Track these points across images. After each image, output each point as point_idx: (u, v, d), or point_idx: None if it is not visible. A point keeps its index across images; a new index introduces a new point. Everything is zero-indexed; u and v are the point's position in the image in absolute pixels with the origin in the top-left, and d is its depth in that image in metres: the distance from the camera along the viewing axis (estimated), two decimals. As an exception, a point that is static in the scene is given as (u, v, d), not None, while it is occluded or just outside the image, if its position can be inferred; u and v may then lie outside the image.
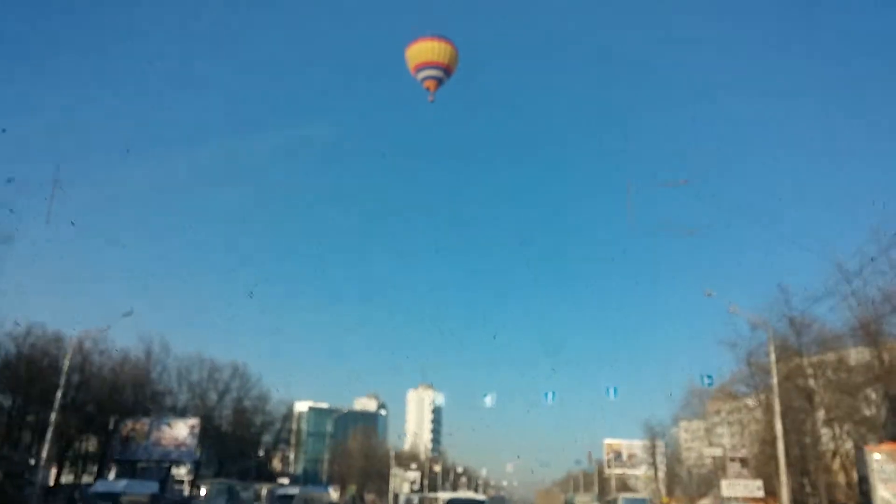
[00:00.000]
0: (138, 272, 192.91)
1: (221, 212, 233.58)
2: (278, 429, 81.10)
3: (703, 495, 75.96)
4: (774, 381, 40.06)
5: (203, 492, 41.51)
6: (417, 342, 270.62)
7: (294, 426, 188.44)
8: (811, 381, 45.59)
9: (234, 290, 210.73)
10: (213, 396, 71.09)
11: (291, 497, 45.37)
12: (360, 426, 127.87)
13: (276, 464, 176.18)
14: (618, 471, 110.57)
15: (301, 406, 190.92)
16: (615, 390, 43.25)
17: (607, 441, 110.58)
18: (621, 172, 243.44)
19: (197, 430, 53.92)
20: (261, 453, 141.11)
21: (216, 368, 67.73)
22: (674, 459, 74.42)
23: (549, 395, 42.41)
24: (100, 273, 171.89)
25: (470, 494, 78.72)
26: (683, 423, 79.68)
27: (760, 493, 48.24)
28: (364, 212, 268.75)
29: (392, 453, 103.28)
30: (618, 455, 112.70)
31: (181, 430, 53.79)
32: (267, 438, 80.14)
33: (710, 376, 43.80)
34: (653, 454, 77.48)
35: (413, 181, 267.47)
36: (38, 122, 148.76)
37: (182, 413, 62.39)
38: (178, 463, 53.24)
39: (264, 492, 51.40)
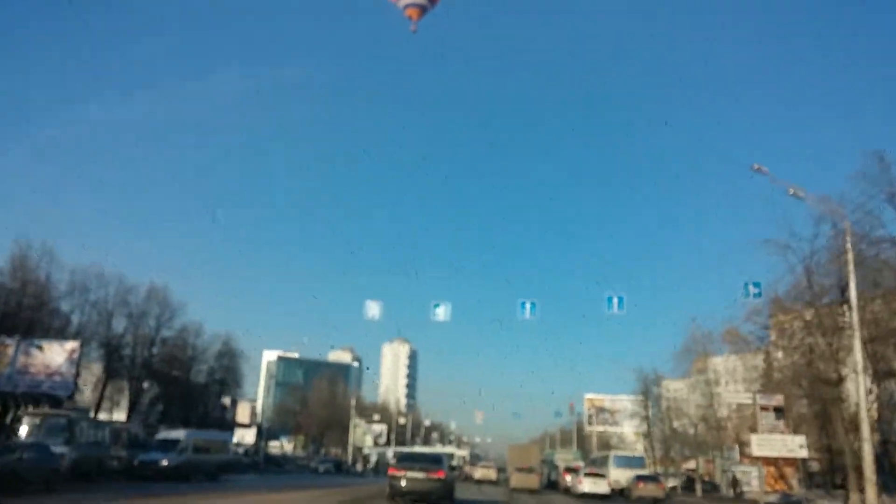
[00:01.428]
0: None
1: (199, 160, 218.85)
2: (211, 367, 67.35)
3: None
4: (852, 291, 26.96)
5: (24, 428, 27.84)
6: (394, 295, 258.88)
7: (263, 375, 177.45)
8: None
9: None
10: (123, 323, 56.70)
11: (176, 442, 32.20)
12: (325, 375, 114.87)
13: (243, 415, 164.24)
14: (599, 428, 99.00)
15: (270, 355, 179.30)
16: (620, 301, 29.45)
17: (588, 396, 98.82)
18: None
19: (77, 356, 40.32)
20: (226, 402, 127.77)
21: (127, 290, 54.12)
22: (670, 416, 61.93)
23: (527, 307, 27.64)
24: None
25: (425, 449, 66.16)
26: (671, 384, 67.06)
27: (803, 453, 35.65)
28: (344, 153, 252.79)
29: (353, 403, 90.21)
30: (600, 411, 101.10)
31: (56, 356, 40.12)
32: (200, 379, 66.53)
33: (757, 284, 30.59)
34: (645, 407, 64.82)
35: (393, 121, 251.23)
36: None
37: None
38: (52, 397, 39.39)
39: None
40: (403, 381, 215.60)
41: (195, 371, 66.14)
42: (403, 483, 23.12)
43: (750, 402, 38.01)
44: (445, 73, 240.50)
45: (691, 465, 68.61)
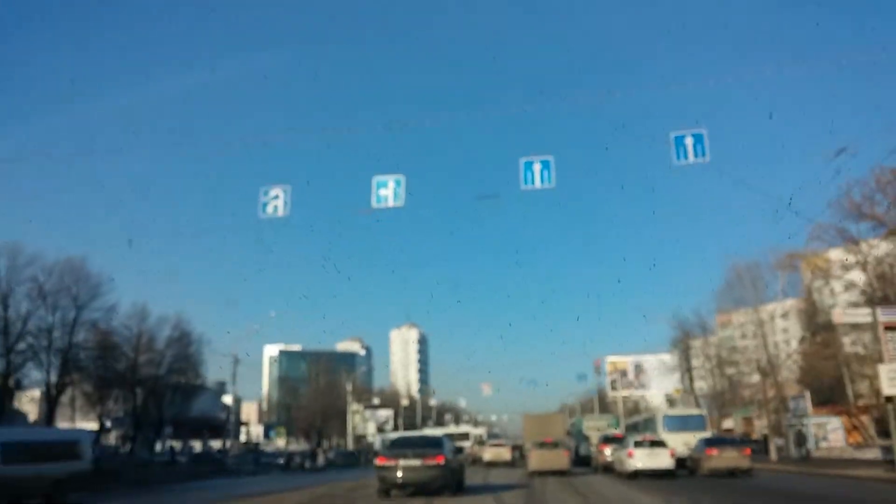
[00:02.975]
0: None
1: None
2: (161, 356, 54.36)
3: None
4: None
5: None
6: (401, 282, 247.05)
7: (266, 371, 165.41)
8: None
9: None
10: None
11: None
12: (320, 365, 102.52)
13: (249, 413, 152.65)
14: (624, 393, 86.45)
15: (272, 350, 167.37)
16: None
17: (611, 358, 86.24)
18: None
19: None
20: (227, 401, 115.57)
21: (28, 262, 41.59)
22: (721, 365, 49.06)
23: (536, 172, 13.92)
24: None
25: (437, 432, 53.90)
26: (720, 323, 54.09)
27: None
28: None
29: (349, 388, 77.63)
30: (623, 374, 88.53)
31: None
32: (151, 370, 53.69)
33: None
34: (686, 357, 51.93)
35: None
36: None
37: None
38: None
39: None
40: (415, 366, 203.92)
41: (145, 361, 53.35)
42: (398, 474, 18.72)
43: (867, 319, 25.01)
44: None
45: (727, 424, 56.57)
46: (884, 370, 23.70)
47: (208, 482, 36.84)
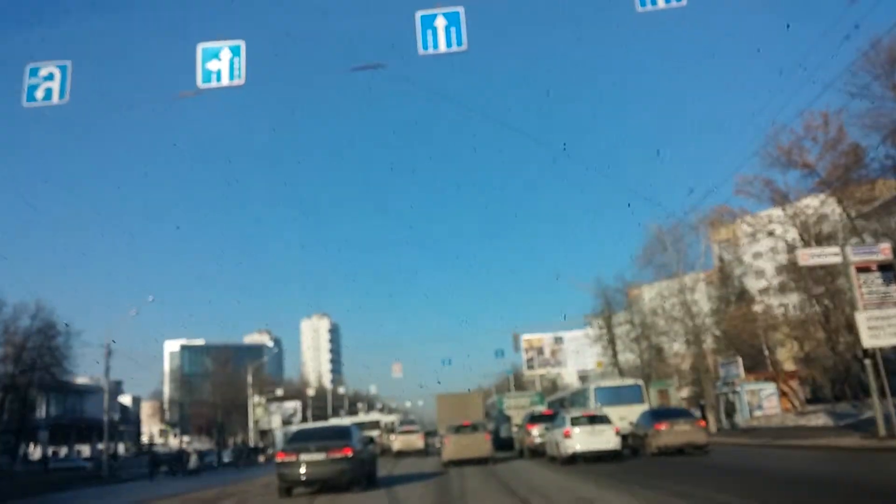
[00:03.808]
0: None
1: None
2: (20, 349, 45.75)
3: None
4: None
5: None
6: (307, 271, 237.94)
7: (167, 368, 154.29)
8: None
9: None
10: None
11: None
12: (222, 358, 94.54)
13: (149, 413, 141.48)
14: (541, 371, 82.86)
15: (172, 346, 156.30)
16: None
17: (526, 336, 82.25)
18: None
19: None
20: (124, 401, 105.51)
21: None
22: (646, 333, 45.26)
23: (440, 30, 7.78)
24: None
25: (344, 421, 47.97)
26: (645, 290, 50.42)
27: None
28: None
29: (249, 380, 70.43)
30: (540, 352, 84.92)
31: None
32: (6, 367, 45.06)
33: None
34: (608, 326, 47.84)
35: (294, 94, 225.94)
36: None
37: None
38: None
39: None
40: (327, 356, 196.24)
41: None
42: (300, 470, 16.18)
43: (837, 259, 20.89)
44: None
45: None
46: (861, 318, 19.62)
47: (68, 493, 30.94)
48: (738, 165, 64.78)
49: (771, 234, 40.73)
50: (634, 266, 48.06)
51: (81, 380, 72.05)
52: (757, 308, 48.93)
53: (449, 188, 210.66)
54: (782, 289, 45.62)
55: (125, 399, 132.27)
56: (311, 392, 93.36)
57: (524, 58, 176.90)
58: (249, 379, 71.96)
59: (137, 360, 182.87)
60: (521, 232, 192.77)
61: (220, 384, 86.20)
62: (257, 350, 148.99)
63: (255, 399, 73.00)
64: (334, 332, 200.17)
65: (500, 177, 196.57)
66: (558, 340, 68.30)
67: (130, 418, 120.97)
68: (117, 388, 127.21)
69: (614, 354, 48.43)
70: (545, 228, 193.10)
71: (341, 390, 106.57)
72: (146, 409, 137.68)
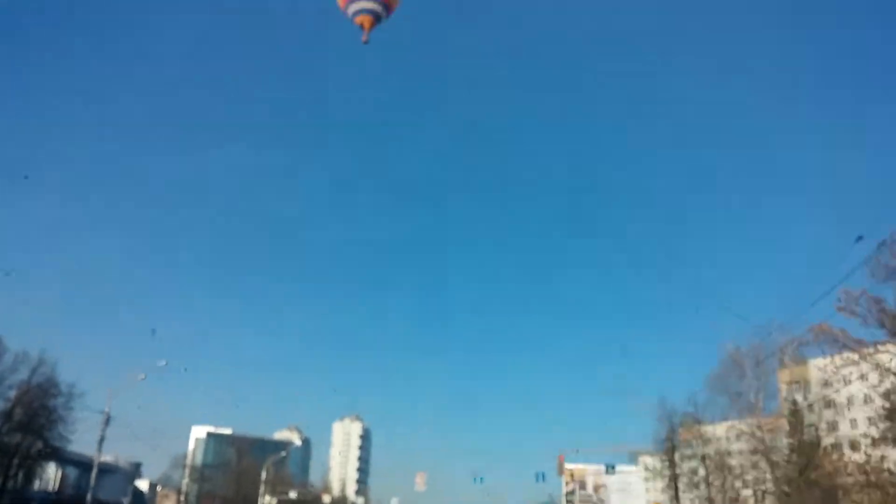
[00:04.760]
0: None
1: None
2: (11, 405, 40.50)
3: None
4: None
5: None
6: (343, 373, 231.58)
7: (189, 454, 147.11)
8: None
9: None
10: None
11: None
12: (244, 449, 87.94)
13: (166, 498, 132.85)
14: (585, 508, 73.00)
15: (199, 432, 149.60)
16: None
17: (568, 466, 72.88)
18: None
19: None
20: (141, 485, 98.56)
21: None
22: (726, 474, 37.42)
23: None
24: None
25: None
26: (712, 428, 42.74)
27: None
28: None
29: (263, 476, 63.58)
30: (582, 485, 75.32)
31: None
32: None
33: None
34: (670, 460, 40.11)
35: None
36: None
37: None
38: None
39: None
40: (355, 464, 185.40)
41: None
42: None
43: None
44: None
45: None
46: None
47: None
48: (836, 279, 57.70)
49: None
50: (705, 390, 40.96)
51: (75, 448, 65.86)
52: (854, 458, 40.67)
53: (493, 291, 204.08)
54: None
55: (142, 484, 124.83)
56: (326, 500, 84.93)
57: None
58: (263, 475, 64.99)
59: (160, 444, 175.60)
60: (572, 339, 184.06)
61: (234, 476, 79.24)
62: (282, 446, 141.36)
63: (266, 499, 65.67)
64: (365, 437, 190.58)
65: (549, 277, 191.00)
66: (609, 469, 59.82)
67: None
68: (136, 471, 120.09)
69: (676, 496, 40.12)
70: (598, 334, 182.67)
71: (360, 502, 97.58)
72: (162, 497, 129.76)
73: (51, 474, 59.41)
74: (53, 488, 64.89)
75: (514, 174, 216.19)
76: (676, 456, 40.60)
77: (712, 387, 39.32)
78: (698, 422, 39.72)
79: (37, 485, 57.92)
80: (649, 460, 43.67)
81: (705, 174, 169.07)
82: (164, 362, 43.87)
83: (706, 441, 39.26)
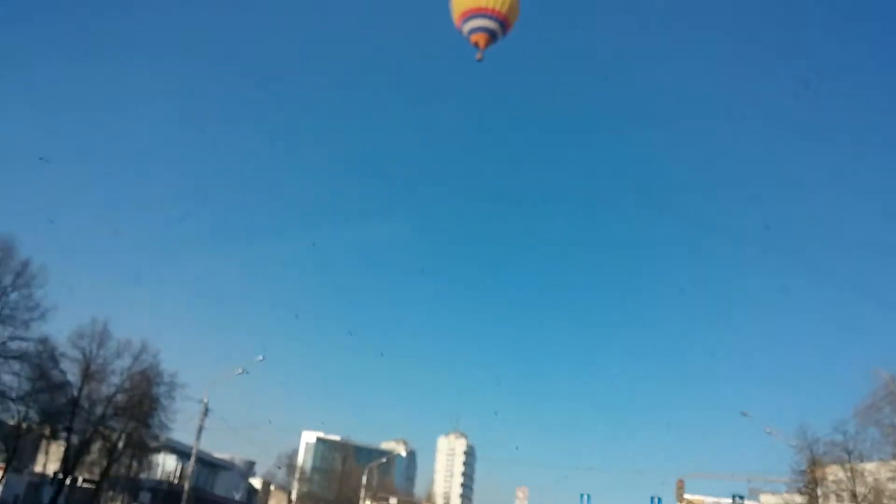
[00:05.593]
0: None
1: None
2: (114, 392, 40.35)
3: None
4: None
5: None
6: (453, 388, 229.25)
7: (300, 456, 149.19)
8: None
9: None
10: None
11: None
12: (348, 454, 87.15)
13: (275, 496, 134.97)
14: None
15: (309, 437, 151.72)
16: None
17: (687, 496, 65.87)
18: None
19: None
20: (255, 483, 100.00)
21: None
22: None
23: None
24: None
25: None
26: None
27: None
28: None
29: (364, 480, 61.92)
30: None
31: None
32: (96, 409, 39.80)
33: None
34: (811, 494, 34.21)
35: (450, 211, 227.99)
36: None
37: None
38: None
39: None
40: (459, 479, 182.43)
41: (91, 393, 39.74)
42: None
43: None
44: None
45: None
46: None
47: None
48: None
49: None
50: (854, 421, 34.82)
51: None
52: None
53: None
54: None
55: (256, 482, 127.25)
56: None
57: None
58: (364, 479, 63.32)
59: (275, 445, 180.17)
60: (695, 352, 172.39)
61: (338, 479, 78.26)
62: (387, 455, 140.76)
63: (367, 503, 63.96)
64: (470, 454, 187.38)
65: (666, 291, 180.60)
66: (738, 501, 52.76)
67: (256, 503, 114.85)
68: (250, 469, 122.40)
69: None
70: (723, 350, 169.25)
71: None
72: (276, 498, 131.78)
73: (162, 463, 60.24)
74: (168, 478, 65.78)
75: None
76: (818, 492, 34.63)
77: (863, 417, 33.26)
78: (849, 454, 33.60)
79: (149, 474, 58.66)
80: (772, 500, 37.67)
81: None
82: (261, 357, 42.85)
83: (860, 478, 33.04)
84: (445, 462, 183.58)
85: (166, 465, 62.04)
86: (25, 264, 35.06)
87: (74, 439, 39.29)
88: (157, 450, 52.62)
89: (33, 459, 50.17)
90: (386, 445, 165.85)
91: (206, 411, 39.43)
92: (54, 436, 41.89)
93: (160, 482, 62.07)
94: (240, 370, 43.08)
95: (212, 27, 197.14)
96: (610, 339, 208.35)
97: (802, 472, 35.62)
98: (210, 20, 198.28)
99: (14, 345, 34.08)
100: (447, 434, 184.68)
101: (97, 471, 43.29)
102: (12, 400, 34.96)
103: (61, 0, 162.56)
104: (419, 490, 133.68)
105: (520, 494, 66.52)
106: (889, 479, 34.52)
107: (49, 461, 47.81)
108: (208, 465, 77.40)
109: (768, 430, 44.55)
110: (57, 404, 38.57)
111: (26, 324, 34.65)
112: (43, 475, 47.69)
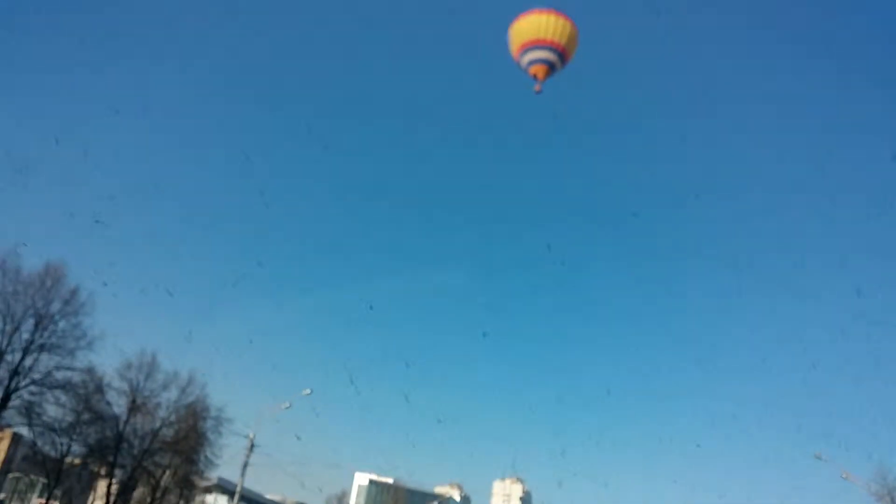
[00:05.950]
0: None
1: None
2: (161, 425, 38.98)
3: None
4: None
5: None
6: (509, 432, 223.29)
7: (352, 499, 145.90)
8: None
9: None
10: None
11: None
12: (389, 499, 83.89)
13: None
14: None
15: (361, 479, 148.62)
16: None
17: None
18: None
19: None
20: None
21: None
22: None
23: None
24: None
25: None
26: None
27: None
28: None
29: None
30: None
31: None
32: (137, 443, 38.35)
33: None
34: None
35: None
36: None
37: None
38: None
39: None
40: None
41: (136, 426, 38.41)
42: None
43: None
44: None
45: None
46: None
47: None
48: None
49: None
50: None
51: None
52: None
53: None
54: None
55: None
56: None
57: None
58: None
59: (326, 485, 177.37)
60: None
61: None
62: (440, 500, 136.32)
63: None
64: (526, 500, 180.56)
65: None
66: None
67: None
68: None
69: None
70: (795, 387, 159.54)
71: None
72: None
73: (209, 501, 58.58)
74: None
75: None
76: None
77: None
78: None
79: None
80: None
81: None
82: (308, 391, 41.08)
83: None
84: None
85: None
86: (74, 292, 34.38)
87: (119, 474, 37.88)
88: (209, 490, 50.82)
89: (84, 500, 49.03)
90: (440, 489, 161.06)
91: (251, 447, 37.61)
92: (107, 473, 40.71)
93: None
94: (287, 404, 41.27)
95: (267, 73, 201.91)
96: (672, 384, 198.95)
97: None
98: (267, 70, 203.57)
99: (60, 374, 33.13)
100: (503, 478, 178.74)
101: (144, 509, 41.73)
102: (55, 432, 33.89)
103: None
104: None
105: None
106: None
107: (96, 498, 46.57)
108: (249, 500, 75.85)
109: (845, 476, 41.15)
110: (101, 437, 37.37)
111: (72, 352, 33.72)
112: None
